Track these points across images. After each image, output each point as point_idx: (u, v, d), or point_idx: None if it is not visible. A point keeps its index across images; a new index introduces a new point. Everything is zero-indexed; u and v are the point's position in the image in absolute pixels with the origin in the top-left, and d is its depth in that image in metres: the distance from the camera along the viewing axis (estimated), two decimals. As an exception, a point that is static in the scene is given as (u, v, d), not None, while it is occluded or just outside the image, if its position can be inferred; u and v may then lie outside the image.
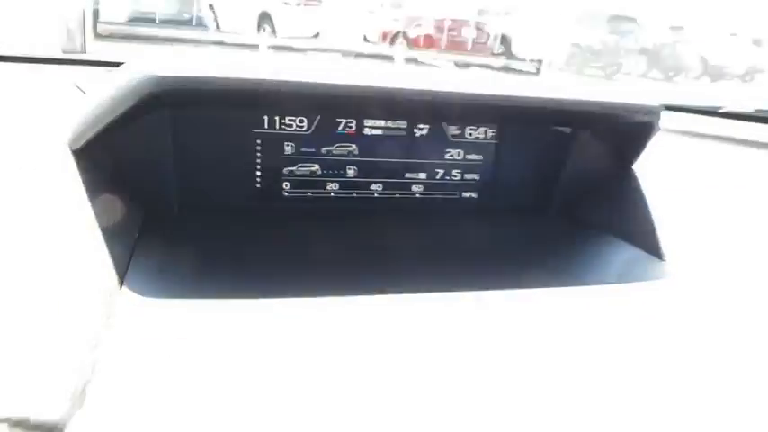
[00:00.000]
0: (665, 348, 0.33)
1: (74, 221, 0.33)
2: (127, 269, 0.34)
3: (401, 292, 0.36)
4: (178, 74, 0.36)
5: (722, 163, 0.71)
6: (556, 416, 0.26)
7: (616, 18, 10.11)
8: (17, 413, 0.20)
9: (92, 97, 0.40)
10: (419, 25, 7.21)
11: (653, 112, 0.44)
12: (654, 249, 0.44)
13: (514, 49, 7.93)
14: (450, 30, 7.28)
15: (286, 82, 0.38)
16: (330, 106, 0.45)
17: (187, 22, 4.85)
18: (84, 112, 0.38)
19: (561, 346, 0.32)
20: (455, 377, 0.28)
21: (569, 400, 0.27)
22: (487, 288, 0.37)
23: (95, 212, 0.34)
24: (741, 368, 0.32)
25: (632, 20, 10.45)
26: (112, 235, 0.34)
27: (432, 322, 0.33)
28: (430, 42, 7.11)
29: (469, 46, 7.36)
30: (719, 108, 1.00)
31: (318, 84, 0.39)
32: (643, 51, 10.11)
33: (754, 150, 0.79)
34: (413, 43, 7.15)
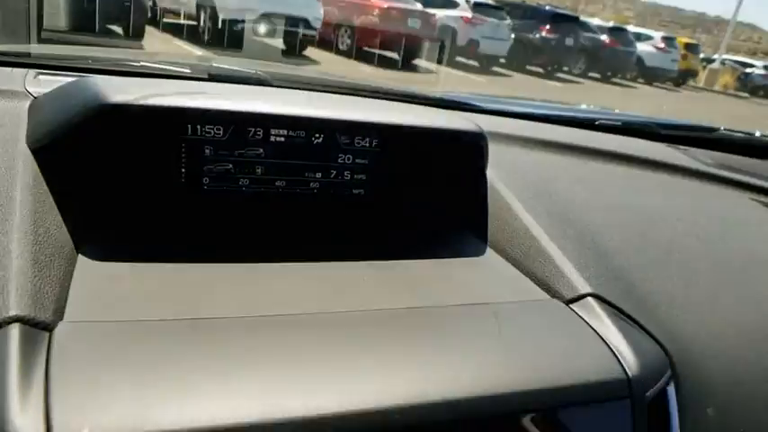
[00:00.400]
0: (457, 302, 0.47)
1: (37, 208, 0.44)
2: (83, 234, 0.46)
3: (295, 260, 0.51)
4: (130, 102, 0.48)
5: (577, 171, 0.87)
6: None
7: (558, 16, 10.46)
8: (26, 314, 0.33)
9: (48, 106, 0.51)
10: (364, 14, 7.25)
11: (478, 135, 0.59)
12: (483, 236, 0.59)
13: (459, 41, 8.13)
14: (395, 19, 7.36)
15: (209, 110, 0.51)
16: (243, 121, 0.57)
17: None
18: (41, 119, 0.50)
19: (380, 291, 0.47)
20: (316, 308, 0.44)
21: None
22: (358, 258, 0.53)
23: (56, 201, 0.46)
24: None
25: (574, 19, 10.85)
26: (67, 215, 0.46)
27: (310, 276, 0.49)
28: (374, 32, 7.18)
29: (415, 36, 7.48)
30: (595, 120, 1.17)
31: (234, 111, 0.52)
32: (582, 51, 10.59)
33: (610, 161, 0.95)
34: (357, 32, 7.19)
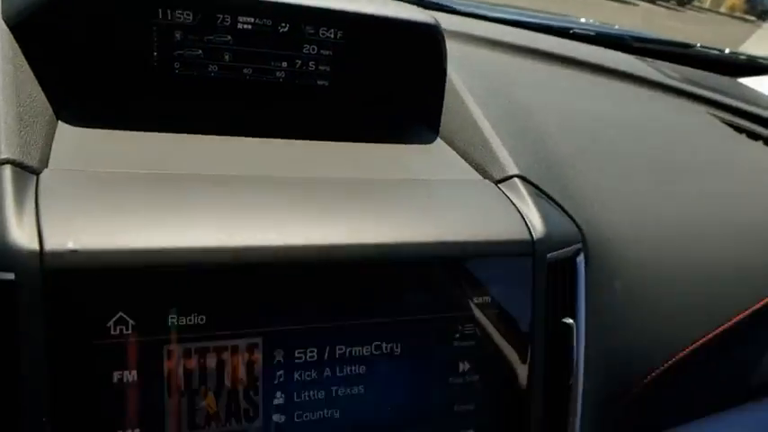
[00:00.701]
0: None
1: (18, 76, 0.48)
2: (62, 103, 0.50)
3: (258, 136, 0.57)
4: None
5: (539, 75, 0.91)
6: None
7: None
8: (15, 158, 0.39)
9: None
10: None
11: (433, 28, 0.62)
12: (435, 127, 0.64)
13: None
14: None
15: None
16: (211, 6, 0.60)
17: None
18: None
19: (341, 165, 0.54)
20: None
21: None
22: (318, 139, 0.59)
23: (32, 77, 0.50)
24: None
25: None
26: (46, 85, 0.50)
27: (270, 149, 0.55)
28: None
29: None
30: (570, 29, 1.19)
31: None
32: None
33: (575, 68, 0.98)
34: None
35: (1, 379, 0.35)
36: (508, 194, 0.52)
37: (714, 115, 1.04)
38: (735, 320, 0.70)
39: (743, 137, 1.01)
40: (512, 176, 0.54)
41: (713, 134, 0.98)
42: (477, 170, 0.57)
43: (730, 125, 1.03)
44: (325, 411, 0.42)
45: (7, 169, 0.38)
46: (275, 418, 0.41)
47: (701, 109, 1.05)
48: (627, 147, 0.78)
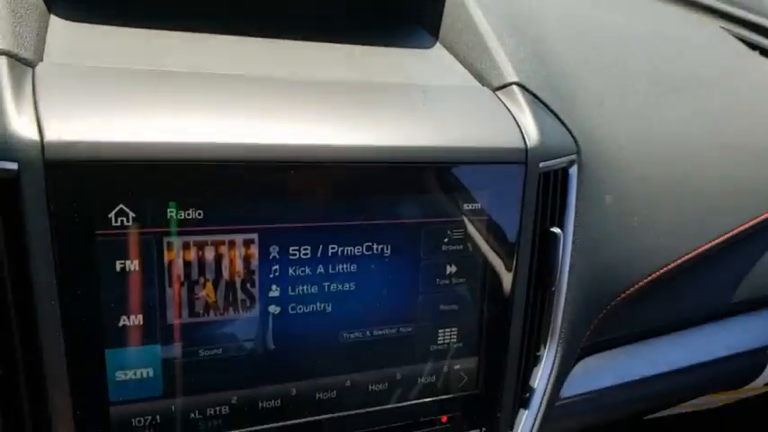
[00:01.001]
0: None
1: None
2: (50, 9, 0.49)
3: (258, 36, 0.55)
4: None
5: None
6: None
7: None
8: (10, 50, 0.39)
9: None
10: None
11: None
12: (435, 32, 0.63)
13: None
14: None
15: None
16: None
17: None
18: None
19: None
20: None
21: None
22: (316, 40, 0.57)
23: None
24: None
25: None
26: None
27: (269, 49, 0.54)
28: None
29: None
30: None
31: None
32: None
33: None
34: None
35: (11, 267, 0.37)
36: (505, 102, 0.52)
37: (727, 29, 1.01)
38: (720, 239, 0.72)
39: (755, 53, 0.99)
40: (510, 84, 0.54)
41: (723, 49, 0.95)
42: (475, 77, 0.57)
43: (743, 40, 1.00)
44: (318, 305, 0.44)
45: (3, 59, 0.38)
46: (271, 309, 0.43)
47: (714, 22, 1.01)
48: (631, 59, 0.76)
